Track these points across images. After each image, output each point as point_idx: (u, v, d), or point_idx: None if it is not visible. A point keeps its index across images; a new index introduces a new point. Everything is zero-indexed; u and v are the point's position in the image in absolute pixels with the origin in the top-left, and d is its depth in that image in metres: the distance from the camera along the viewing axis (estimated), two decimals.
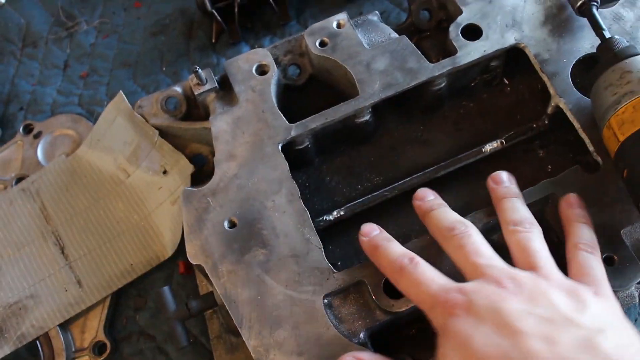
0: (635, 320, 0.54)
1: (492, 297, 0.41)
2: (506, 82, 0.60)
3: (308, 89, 0.60)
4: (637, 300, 0.47)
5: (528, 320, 0.40)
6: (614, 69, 0.47)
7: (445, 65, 0.55)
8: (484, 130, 0.58)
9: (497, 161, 0.56)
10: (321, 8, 0.71)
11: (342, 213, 0.55)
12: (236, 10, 0.68)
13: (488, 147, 0.56)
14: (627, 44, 0.49)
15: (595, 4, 0.53)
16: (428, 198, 0.50)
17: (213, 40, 0.70)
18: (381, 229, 0.50)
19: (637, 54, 0.47)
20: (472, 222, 0.49)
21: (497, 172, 0.50)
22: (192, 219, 0.52)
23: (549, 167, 0.56)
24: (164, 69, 0.71)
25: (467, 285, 0.43)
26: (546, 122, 0.56)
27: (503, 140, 0.56)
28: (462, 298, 0.42)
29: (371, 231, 0.49)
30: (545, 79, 0.54)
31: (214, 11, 0.67)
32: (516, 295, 0.41)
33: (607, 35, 0.51)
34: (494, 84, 0.60)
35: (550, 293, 0.42)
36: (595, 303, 0.42)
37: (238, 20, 0.69)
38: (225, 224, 0.51)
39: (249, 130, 0.54)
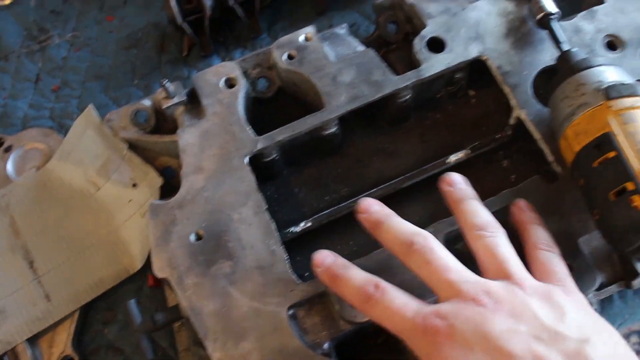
0: None
1: (474, 320, 0.40)
2: (472, 93, 0.61)
3: (277, 101, 0.61)
4: (595, 307, 0.48)
5: (516, 340, 0.39)
6: (569, 81, 0.48)
7: (409, 78, 0.56)
8: (450, 141, 0.59)
9: (461, 172, 0.56)
10: (292, 21, 0.72)
11: (309, 224, 0.55)
12: (207, 23, 0.68)
13: (453, 158, 0.56)
14: (584, 56, 0.50)
15: (554, 17, 0.54)
16: (373, 209, 0.48)
17: (184, 54, 0.71)
18: (335, 254, 0.47)
19: (593, 66, 0.49)
20: (435, 232, 0.49)
21: (448, 173, 0.49)
22: (159, 232, 0.52)
23: (512, 177, 0.57)
24: (135, 82, 0.71)
25: (443, 308, 0.42)
26: (509, 132, 0.57)
27: (468, 151, 0.57)
28: (443, 323, 0.40)
29: (324, 259, 0.46)
30: (507, 90, 0.55)
31: (184, 24, 0.68)
32: (497, 313, 0.40)
33: (566, 47, 0.52)
34: (459, 95, 0.60)
35: (529, 303, 0.41)
36: (570, 305, 0.42)
37: (209, 33, 0.70)
38: (192, 237, 0.51)
39: (216, 143, 0.55)
